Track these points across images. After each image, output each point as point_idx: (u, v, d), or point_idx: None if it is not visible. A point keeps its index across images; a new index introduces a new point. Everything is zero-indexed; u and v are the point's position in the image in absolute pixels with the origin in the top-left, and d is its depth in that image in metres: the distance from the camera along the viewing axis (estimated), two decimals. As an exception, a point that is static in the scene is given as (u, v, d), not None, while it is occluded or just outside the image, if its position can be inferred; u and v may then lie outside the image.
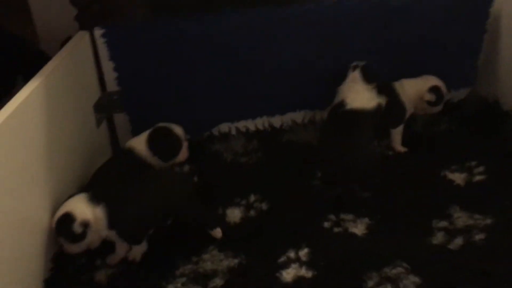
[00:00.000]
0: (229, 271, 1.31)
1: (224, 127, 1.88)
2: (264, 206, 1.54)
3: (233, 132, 1.88)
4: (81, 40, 1.62)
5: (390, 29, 1.79)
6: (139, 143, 1.56)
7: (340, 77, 1.72)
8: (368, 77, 1.67)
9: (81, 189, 1.43)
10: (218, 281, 1.28)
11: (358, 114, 1.62)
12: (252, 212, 1.53)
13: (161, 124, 1.59)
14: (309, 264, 1.31)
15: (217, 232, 1.42)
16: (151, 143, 1.55)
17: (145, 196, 1.36)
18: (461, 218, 1.43)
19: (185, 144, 1.60)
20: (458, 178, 1.59)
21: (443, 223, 1.42)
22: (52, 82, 1.39)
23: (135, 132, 1.78)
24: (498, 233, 1.36)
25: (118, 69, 1.70)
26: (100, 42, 1.66)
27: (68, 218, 1.27)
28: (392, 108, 1.70)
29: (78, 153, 1.55)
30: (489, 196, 1.49)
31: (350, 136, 1.56)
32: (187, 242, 1.40)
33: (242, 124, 1.88)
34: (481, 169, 1.61)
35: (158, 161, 1.56)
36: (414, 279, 1.23)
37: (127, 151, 1.56)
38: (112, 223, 1.31)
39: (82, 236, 1.28)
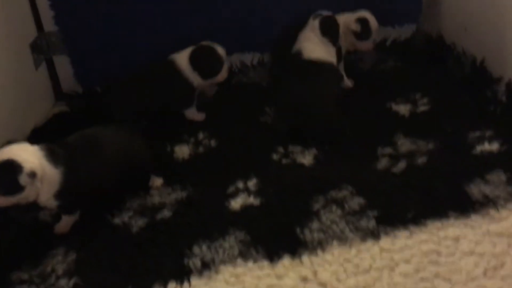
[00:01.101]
0: (177, 203, 1.31)
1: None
2: (213, 143, 1.54)
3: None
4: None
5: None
6: (181, 58, 1.59)
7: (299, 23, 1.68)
8: (325, 30, 1.64)
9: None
10: (166, 213, 1.28)
11: (315, 65, 1.60)
12: (201, 149, 1.52)
13: (205, 42, 1.60)
14: (257, 193, 1.32)
15: (159, 181, 1.38)
16: (194, 59, 1.58)
17: (106, 169, 1.25)
18: (404, 145, 1.46)
19: (225, 66, 1.62)
20: (403, 109, 1.62)
21: (387, 150, 1.45)
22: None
23: (78, 75, 1.72)
24: (440, 156, 1.40)
25: (55, 7, 1.61)
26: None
27: (12, 166, 1.08)
28: None
29: (13, 94, 1.48)
30: (432, 124, 1.53)
31: (307, 85, 1.54)
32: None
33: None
34: (425, 100, 1.64)
35: (197, 77, 1.59)
36: (358, 200, 1.26)
37: (167, 64, 1.58)
38: (61, 195, 1.17)
39: (20, 189, 1.10)
